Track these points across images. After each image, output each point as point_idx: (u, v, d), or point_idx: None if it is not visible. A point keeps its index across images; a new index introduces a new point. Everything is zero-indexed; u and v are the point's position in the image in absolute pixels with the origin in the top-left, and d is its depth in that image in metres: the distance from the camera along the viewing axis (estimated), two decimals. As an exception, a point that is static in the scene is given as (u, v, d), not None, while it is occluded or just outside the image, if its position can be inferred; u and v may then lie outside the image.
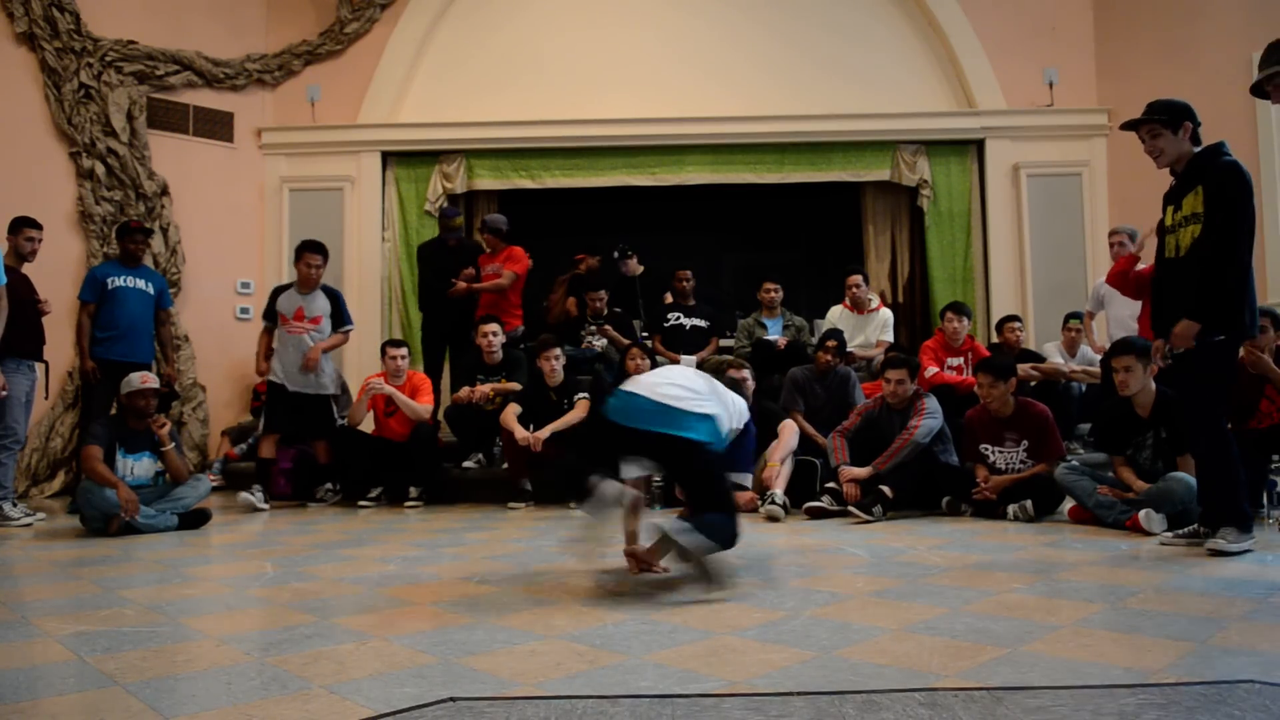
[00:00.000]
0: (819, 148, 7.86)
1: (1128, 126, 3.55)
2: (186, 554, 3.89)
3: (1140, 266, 5.37)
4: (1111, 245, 5.88)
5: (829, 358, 5.66)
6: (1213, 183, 3.26)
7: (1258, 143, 6.57)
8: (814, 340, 6.45)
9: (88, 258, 6.78)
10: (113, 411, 5.50)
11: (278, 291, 5.75)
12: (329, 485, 5.86)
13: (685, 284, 7.01)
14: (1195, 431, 3.47)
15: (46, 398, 5.52)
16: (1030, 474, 4.56)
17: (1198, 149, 3.39)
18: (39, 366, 5.29)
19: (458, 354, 6.87)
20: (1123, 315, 5.60)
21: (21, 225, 5.31)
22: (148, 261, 6.94)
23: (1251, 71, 6.59)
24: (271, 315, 5.68)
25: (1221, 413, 3.39)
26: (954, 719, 1.57)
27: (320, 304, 5.70)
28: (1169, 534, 3.61)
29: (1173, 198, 3.47)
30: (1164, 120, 3.37)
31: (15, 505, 5.02)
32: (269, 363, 5.66)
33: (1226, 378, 3.38)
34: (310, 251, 5.67)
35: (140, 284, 5.82)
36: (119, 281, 5.73)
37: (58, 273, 6.34)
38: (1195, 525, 3.53)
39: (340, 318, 5.77)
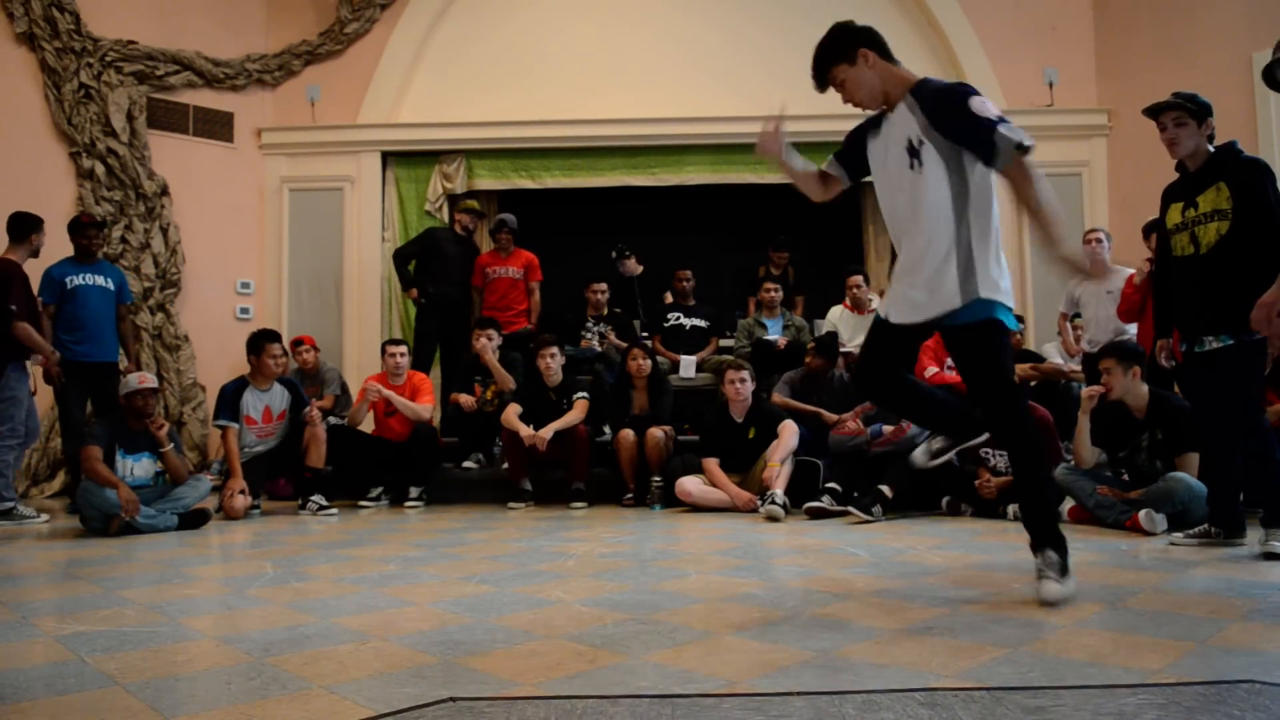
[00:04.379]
0: (819, 148, 7.71)
1: (1152, 110, 3.43)
2: (186, 554, 3.89)
3: (1129, 273, 5.36)
4: (1088, 243, 5.81)
5: (820, 362, 5.68)
6: (1238, 179, 3.23)
7: (1258, 143, 6.56)
8: (813, 341, 6.45)
9: (88, 258, 6.77)
10: (89, 412, 5.48)
11: (233, 392, 5.29)
12: (316, 498, 5.32)
13: (685, 284, 7.02)
14: (1234, 432, 3.34)
15: (34, 393, 5.52)
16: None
17: (1213, 148, 3.37)
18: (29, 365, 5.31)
19: (450, 353, 6.84)
20: (1099, 316, 5.57)
21: (40, 224, 5.30)
22: (147, 261, 6.95)
23: (1252, 71, 6.66)
24: (235, 416, 5.25)
25: (1262, 410, 3.37)
26: (954, 719, 1.57)
27: (282, 395, 5.41)
28: (1179, 534, 3.57)
29: (1181, 194, 3.42)
30: (1192, 110, 3.33)
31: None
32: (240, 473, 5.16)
33: (1263, 375, 3.33)
34: (272, 341, 5.38)
35: (100, 280, 5.61)
36: (78, 280, 5.52)
37: (57, 273, 6.34)
38: (1206, 525, 3.50)
39: (301, 401, 5.48)
